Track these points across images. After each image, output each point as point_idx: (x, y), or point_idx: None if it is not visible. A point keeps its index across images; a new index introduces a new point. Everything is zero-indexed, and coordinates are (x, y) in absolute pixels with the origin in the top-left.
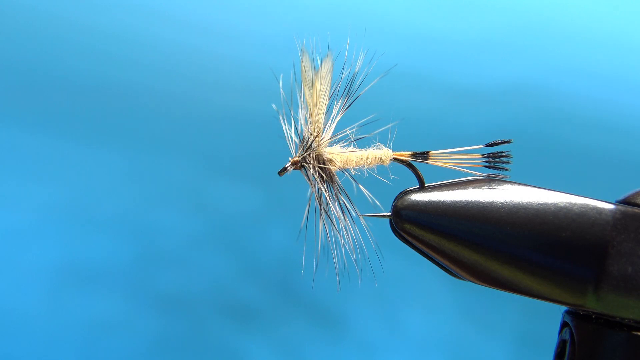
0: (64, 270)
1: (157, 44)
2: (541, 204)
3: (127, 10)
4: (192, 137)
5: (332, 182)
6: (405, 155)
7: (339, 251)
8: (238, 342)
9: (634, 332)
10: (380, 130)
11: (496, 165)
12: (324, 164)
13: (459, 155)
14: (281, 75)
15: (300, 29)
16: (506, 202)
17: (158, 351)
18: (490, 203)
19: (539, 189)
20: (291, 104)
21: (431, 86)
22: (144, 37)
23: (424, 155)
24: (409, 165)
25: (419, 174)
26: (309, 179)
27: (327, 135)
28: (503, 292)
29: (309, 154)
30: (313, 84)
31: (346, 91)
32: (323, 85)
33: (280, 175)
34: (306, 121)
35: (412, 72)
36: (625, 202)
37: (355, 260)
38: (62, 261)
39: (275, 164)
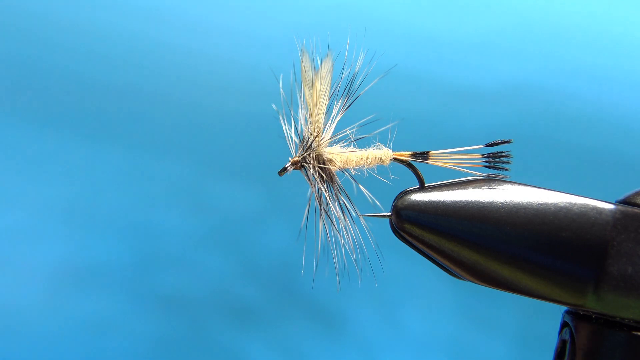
0: (63, 270)
1: (157, 44)
2: (541, 204)
3: (127, 11)
4: (192, 137)
5: (332, 182)
6: (405, 155)
7: (339, 251)
8: (238, 342)
9: (634, 332)
10: (380, 130)
11: (496, 165)
12: (324, 164)
13: (459, 156)
14: (281, 75)
15: (300, 29)
16: (506, 202)
17: (158, 351)
18: (490, 203)
19: (538, 189)
20: (291, 104)
21: (431, 86)
22: (143, 38)
23: (424, 155)
24: (409, 165)
25: (419, 174)
26: (308, 179)
27: (327, 135)
28: (503, 292)
29: (309, 154)
30: (313, 83)
31: (346, 91)
32: (323, 85)
33: (280, 175)
34: (306, 121)
35: (412, 72)
36: (625, 202)
37: (355, 260)
38: (62, 261)
39: (275, 164)
